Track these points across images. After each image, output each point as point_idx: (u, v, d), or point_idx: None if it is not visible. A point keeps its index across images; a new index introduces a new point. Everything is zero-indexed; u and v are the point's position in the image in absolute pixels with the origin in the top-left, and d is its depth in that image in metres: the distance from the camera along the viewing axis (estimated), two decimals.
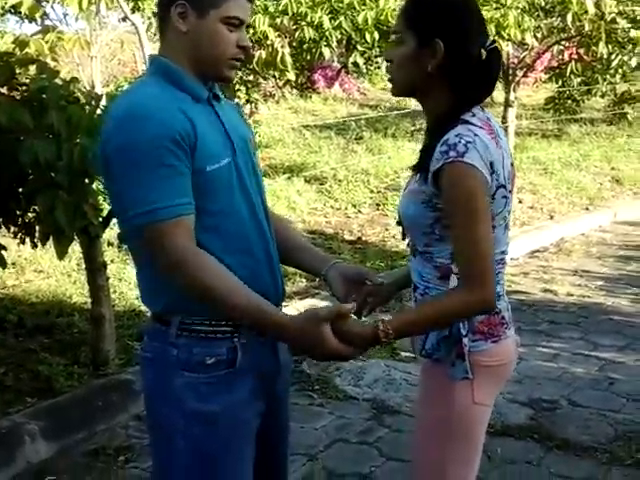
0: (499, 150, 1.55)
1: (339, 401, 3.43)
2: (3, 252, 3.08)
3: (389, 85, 1.67)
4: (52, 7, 7.15)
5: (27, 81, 3.07)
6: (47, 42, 3.73)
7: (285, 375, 1.74)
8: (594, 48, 7.59)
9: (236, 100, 7.13)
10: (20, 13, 5.33)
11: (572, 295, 4.99)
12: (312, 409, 3.36)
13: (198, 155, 1.48)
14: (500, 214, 1.59)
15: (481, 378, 1.62)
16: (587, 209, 7.24)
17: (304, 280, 4.67)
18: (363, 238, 5.89)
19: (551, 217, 6.83)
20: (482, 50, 1.57)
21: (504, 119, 8.21)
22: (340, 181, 7.26)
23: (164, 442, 1.60)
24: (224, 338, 1.56)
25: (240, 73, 7.31)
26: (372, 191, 7.09)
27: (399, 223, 1.71)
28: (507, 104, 8.46)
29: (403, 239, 1.74)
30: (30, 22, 7.25)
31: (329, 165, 7.78)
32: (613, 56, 7.91)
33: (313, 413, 3.31)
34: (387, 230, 6.08)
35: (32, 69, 3.15)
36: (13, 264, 4.52)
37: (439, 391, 1.65)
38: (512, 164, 1.65)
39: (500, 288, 1.64)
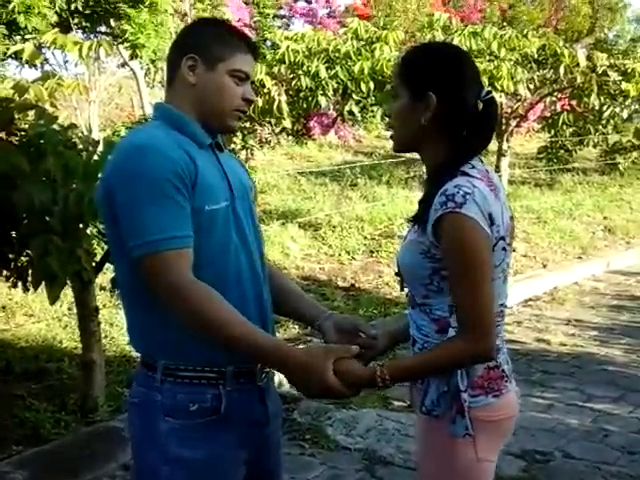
0: (498, 202, 1.56)
1: (331, 451, 3.38)
2: None
3: (390, 140, 1.69)
4: (52, 53, 7.27)
5: (26, 126, 3.10)
6: (47, 88, 3.77)
7: (275, 424, 1.74)
8: (586, 100, 7.73)
9: (232, 146, 7.20)
10: (21, 59, 5.43)
11: (565, 345, 4.97)
12: (303, 459, 3.31)
13: (198, 193, 1.52)
14: (499, 266, 1.59)
15: (483, 434, 1.59)
16: (580, 258, 7.27)
17: (296, 327, 4.64)
18: (357, 285, 5.88)
19: (544, 266, 6.85)
20: (478, 101, 1.59)
21: (497, 168, 8.30)
22: (334, 227, 7.29)
23: None
24: (209, 385, 1.57)
25: None
26: (366, 238, 7.11)
27: (398, 274, 1.70)
28: (500, 153, 8.57)
29: (401, 290, 1.73)
30: (30, 67, 7.35)
31: (323, 211, 7.81)
32: (605, 107, 8.05)
33: (304, 463, 3.26)
34: (381, 277, 6.08)
35: (31, 114, 3.18)
36: (3, 307, 4.50)
37: (441, 449, 1.62)
38: (511, 217, 1.65)
39: (500, 341, 1.63)
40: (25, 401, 3.45)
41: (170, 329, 1.53)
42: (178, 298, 1.46)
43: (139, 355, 1.66)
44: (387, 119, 1.71)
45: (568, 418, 3.79)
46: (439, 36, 7.56)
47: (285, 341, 1.58)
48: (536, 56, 7.46)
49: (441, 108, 1.57)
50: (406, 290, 1.70)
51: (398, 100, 1.62)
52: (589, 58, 7.57)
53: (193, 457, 1.55)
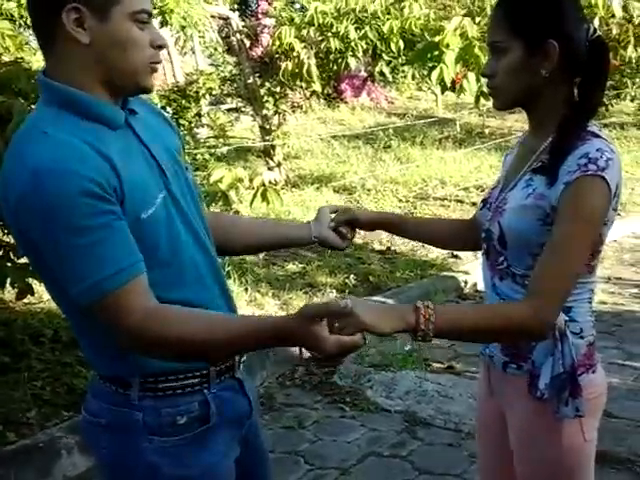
0: (621, 171, 1.46)
1: (371, 413, 3.43)
2: None
3: (491, 99, 1.54)
4: None
5: None
6: None
7: (256, 412, 1.60)
8: (622, 52, 7.50)
9: (264, 112, 7.17)
10: None
11: (605, 303, 4.92)
12: (344, 422, 3.36)
13: (128, 202, 1.27)
14: (605, 239, 1.50)
15: (588, 413, 1.50)
16: (619, 215, 7.15)
17: (334, 291, 4.68)
18: (392, 248, 5.88)
19: None
20: (587, 42, 1.45)
21: None
22: (369, 191, 7.27)
23: None
24: (193, 392, 1.41)
25: (268, 84, 7.38)
26: (401, 200, 7.08)
27: (486, 239, 1.56)
28: None
29: (487, 259, 1.58)
30: None
31: (358, 175, 7.79)
32: None
33: (345, 426, 3.32)
34: None
35: None
36: None
37: (546, 433, 1.53)
38: None
39: (592, 315, 1.55)
40: (73, 368, 3.54)
41: None
42: (141, 337, 1.27)
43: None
44: (486, 79, 1.52)
45: (609, 377, 3.66)
46: None
47: (266, 318, 1.39)
48: None
49: (561, 55, 1.42)
50: (500, 259, 1.52)
51: (507, 55, 1.45)
52: (625, 8, 7.32)
53: (189, 474, 1.40)
